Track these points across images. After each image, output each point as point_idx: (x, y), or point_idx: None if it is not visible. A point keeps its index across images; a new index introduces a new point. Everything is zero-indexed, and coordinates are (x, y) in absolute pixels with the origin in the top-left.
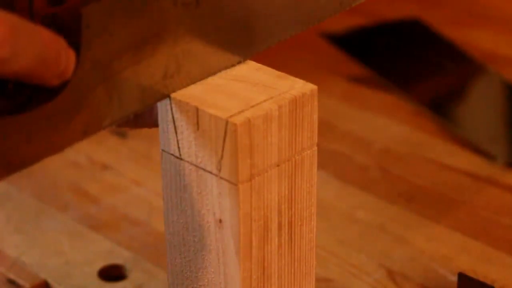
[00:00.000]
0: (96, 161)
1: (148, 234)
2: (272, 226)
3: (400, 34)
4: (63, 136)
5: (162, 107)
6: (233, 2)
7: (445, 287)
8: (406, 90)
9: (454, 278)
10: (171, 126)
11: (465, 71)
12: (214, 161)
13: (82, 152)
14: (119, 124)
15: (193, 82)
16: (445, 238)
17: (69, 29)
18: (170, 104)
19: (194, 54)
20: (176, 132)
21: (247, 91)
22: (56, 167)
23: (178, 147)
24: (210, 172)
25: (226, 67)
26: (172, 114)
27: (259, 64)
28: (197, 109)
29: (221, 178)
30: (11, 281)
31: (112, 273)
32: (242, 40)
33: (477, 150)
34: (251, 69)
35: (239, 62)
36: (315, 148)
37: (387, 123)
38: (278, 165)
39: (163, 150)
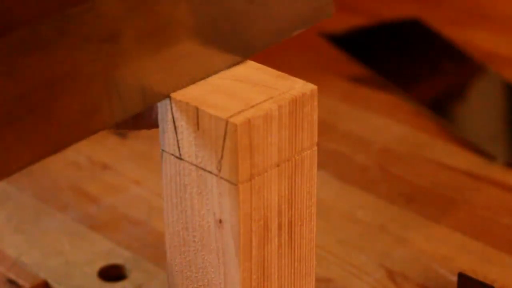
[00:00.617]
0: (96, 161)
1: (148, 234)
2: (272, 226)
3: (400, 34)
4: None
5: (162, 107)
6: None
7: (445, 287)
8: (406, 90)
9: (454, 278)
10: (171, 126)
11: (465, 71)
12: (214, 161)
13: (82, 152)
14: (118, 126)
15: (193, 82)
16: (445, 238)
17: None
18: (170, 104)
19: (194, 54)
20: (176, 132)
21: (247, 91)
22: (56, 167)
23: (178, 147)
24: (210, 172)
25: (226, 67)
26: (172, 114)
27: (259, 64)
28: (197, 109)
29: (221, 178)
30: (11, 281)
31: (112, 273)
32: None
33: (477, 150)
34: (251, 69)
35: (239, 62)
36: (315, 148)
37: (387, 123)
38: (278, 165)
39: (163, 150)
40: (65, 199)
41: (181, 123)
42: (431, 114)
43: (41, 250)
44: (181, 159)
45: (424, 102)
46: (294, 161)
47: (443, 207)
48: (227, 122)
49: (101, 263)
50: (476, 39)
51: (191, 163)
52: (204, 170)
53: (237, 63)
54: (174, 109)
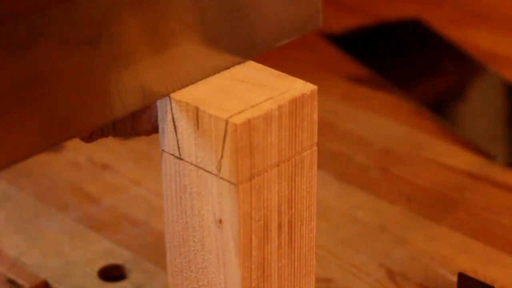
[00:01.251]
0: (96, 161)
1: (148, 234)
2: (272, 226)
3: (400, 34)
4: None
5: (162, 107)
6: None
7: (445, 287)
8: (406, 90)
9: (454, 278)
10: (171, 126)
11: (465, 71)
12: (214, 161)
13: (82, 152)
14: (116, 133)
15: (193, 82)
16: (445, 238)
17: None
18: (170, 104)
19: (194, 55)
20: (176, 132)
21: (247, 91)
22: (56, 167)
23: (178, 147)
24: (210, 172)
25: (226, 67)
26: (172, 114)
27: (259, 64)
28: (197, 109)
29: (221, 178)
30: (11, 281)
31: (112, 273)
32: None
33: (477, 150)
34: (251, 69)
35: (239, 62)
36: (315, 148)
37: (387, 123)
38: (278, 165)
39: (163, 150)
40: (65, 199)
41: (181, 123)
42: (431, 114)
43: (41, 250)
44: (181, 159)
45: (424, 102)
46: (294, 161)
47: (443, 207)
48: (227, 122)
49: (101, 263)
50: (476, 39)
51: (191, 163)
52: (204, 170)
53: (237, 63)
54: (174, 109)
